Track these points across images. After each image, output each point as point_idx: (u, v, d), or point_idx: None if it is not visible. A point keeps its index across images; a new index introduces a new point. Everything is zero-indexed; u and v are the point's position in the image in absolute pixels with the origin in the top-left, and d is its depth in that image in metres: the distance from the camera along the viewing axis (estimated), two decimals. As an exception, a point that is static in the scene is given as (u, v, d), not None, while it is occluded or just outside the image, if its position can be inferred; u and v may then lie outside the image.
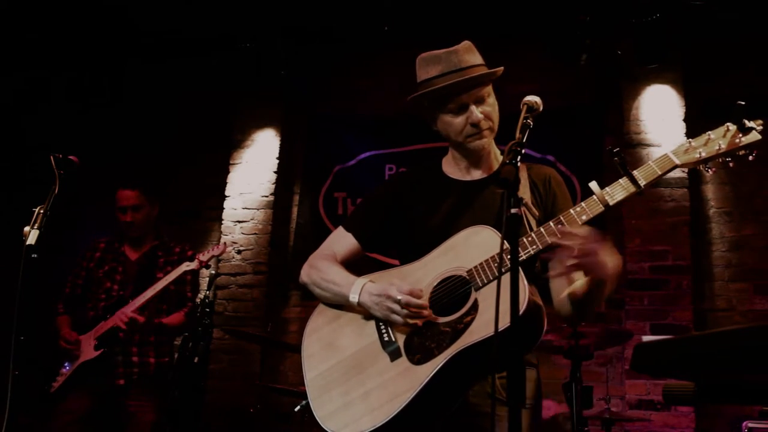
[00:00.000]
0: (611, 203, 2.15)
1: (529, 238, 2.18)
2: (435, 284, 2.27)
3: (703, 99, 5.44)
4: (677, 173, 5.27)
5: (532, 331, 2.11)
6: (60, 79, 6.76)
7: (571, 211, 2.17)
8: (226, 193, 6.35)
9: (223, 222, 6.30)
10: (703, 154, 2.07)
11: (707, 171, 2.13)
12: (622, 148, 5.30)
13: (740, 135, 2.05)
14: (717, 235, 5.49)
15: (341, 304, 2.40)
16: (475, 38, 2.61)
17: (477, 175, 2.50)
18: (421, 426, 2.17)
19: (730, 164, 2.08)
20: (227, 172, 6.42)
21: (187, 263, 4.15)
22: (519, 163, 1.93)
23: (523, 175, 2.42)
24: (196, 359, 5.96)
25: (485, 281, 2.17)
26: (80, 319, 4.30)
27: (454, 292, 2.24)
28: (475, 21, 5.95)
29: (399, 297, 2.20)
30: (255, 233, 6.20)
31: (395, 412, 2.09)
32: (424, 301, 2.22)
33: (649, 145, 5.44)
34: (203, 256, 4.18)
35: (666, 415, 5.03)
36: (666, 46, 5.34)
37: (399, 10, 5.93)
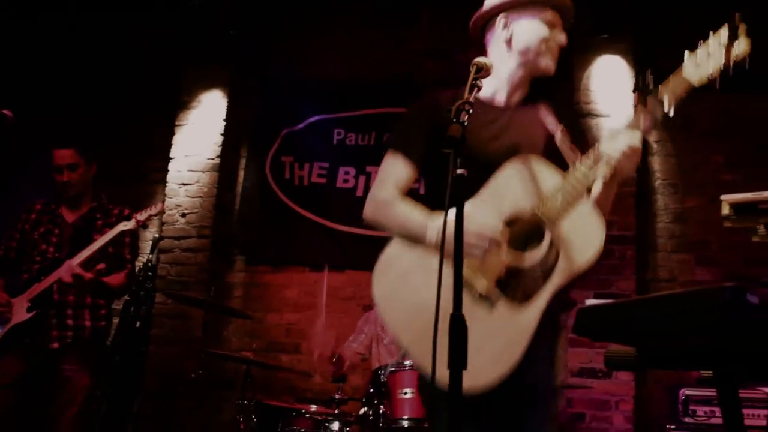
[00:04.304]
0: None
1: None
2: (501, 225, 2.26)
3: (652, 70, 5.47)
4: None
5: None
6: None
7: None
8: (171, 155, 6.19)
9: (167, 184, 6.16)
10: (711, 70, 2.18)
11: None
12: (572, 118, 5.32)
13: (733, 46, 2.14)
14: (662, 207, 5.55)
15: (413, 244, 2.32)
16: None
17: (516, 99, 2.51)
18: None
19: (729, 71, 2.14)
20: (172, 133, 6.26)
21: (124, 223, 4.04)
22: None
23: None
24: (137, 324, 5.90)
25: (554, 218, 2.22)
26: (14, 282, 4.16)
27: (526, 232, 2.26)
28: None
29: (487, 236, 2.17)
30: (200, 196, 6.07)
31: (517, 358, 2.13)
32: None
33: (598, 115, 5.45)
34: (140, 216, 4.08)
35: (607, 383, 5.11)
36: (618, 16, 5.35)
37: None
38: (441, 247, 1.86)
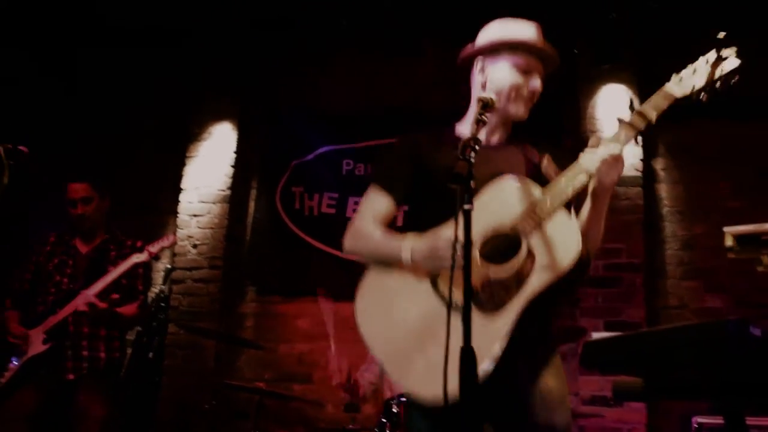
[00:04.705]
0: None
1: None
2: (480, 243, 2.26)
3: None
4: (631, 171, 5.34)
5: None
6: (9, 65, 6.60)
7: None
8: (182, 187, 6.27)
9: (178, 216, 6.22)
10: (694, 83, 2.27)
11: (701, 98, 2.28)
12: (580, 145, 5.36)
13: (720, 64, 2.24)
14: (670, 234, 5.57)
15: (390, 267, 2.38)
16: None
17: (495, 140, 2.53)
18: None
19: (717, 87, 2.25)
20: (183, 165, 6.34)
21: (137, 255, 4.11)
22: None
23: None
24: (150, 354, 5.92)
25: (532, 229, 2.21)
26: (30, 314, 4.21)
27: (504, 246, 2.24)
28: (431, 20, 5.97)
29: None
30: (211, 227, 6.13)
31: (487, 363, 2.09)
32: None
33: (605, 144, 5.49)
34: (153, 248, 4.15)
35: (618, 411, 5.09)
36: (621, 46, 5.41)
37: (357, 4, 5.92)
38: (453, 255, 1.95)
